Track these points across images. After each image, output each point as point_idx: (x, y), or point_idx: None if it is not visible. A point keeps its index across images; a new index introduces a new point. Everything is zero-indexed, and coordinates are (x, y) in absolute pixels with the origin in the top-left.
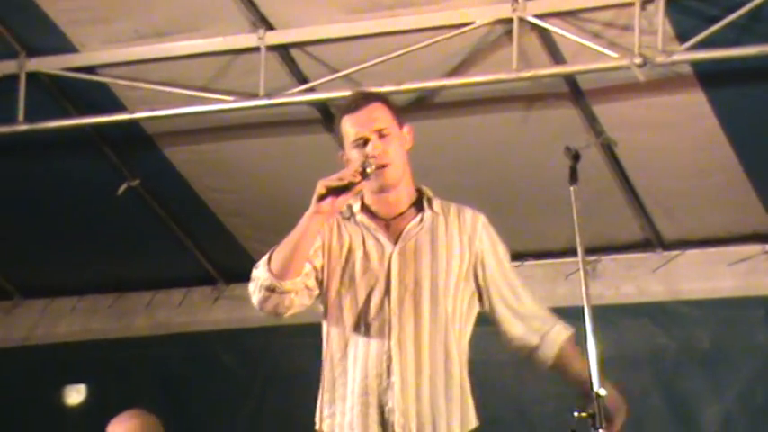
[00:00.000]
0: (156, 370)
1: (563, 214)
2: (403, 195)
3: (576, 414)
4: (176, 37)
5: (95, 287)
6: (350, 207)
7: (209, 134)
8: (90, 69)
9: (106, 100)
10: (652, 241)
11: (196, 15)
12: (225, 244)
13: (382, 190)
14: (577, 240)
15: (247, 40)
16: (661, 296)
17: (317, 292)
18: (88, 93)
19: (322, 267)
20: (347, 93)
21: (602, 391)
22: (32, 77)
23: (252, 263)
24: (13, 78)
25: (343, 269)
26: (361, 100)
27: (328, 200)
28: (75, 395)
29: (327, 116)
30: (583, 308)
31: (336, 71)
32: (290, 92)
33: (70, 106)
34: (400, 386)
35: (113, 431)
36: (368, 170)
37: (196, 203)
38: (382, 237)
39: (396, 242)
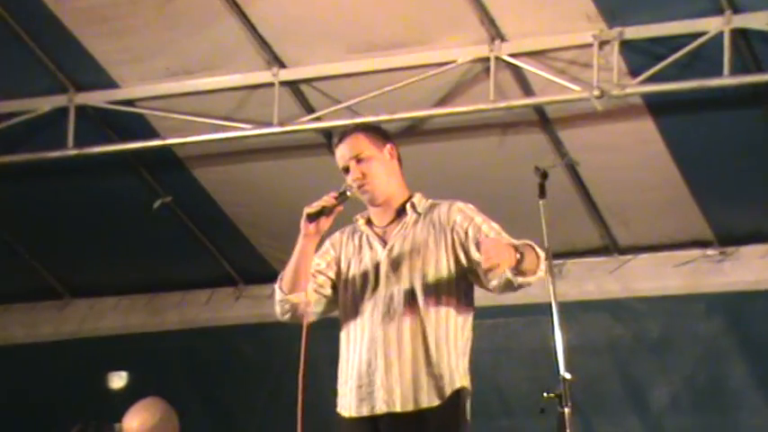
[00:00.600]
0: (186, 359)
1: (533, 224)
2: (394, 205)
3: (545, 395)
4: (202, 74)
5: (134, 288)
6: (357, 220)
7: (231, 157)
8: (129, 102)
9: (143, 128)
10: (609, 247)
11: (219, 55)
12: (244, 250)
13: (372, 203)
14: (546, 246)
15: (263, 76)
16: (617, 294)
17: (333, 298)
18: (128, 122)
19: (337, 275)
20: (349, 121)
21: (568, 375)
22: (80, 110)
23: (267, 267)
24: (64, 110)
25: (347, 274)
26: (343, 134)
27: (311, 223)
28: (118, 381)
29: (331, 141)
30: (551, 304)
31: (339, 103)
32: (299, 121)
33: (112, 134)
34: (384, 368)
35: (128, 422)
36: (348, 193)
37: (220, 216)
38: (376, 243)
39: (385, 246)
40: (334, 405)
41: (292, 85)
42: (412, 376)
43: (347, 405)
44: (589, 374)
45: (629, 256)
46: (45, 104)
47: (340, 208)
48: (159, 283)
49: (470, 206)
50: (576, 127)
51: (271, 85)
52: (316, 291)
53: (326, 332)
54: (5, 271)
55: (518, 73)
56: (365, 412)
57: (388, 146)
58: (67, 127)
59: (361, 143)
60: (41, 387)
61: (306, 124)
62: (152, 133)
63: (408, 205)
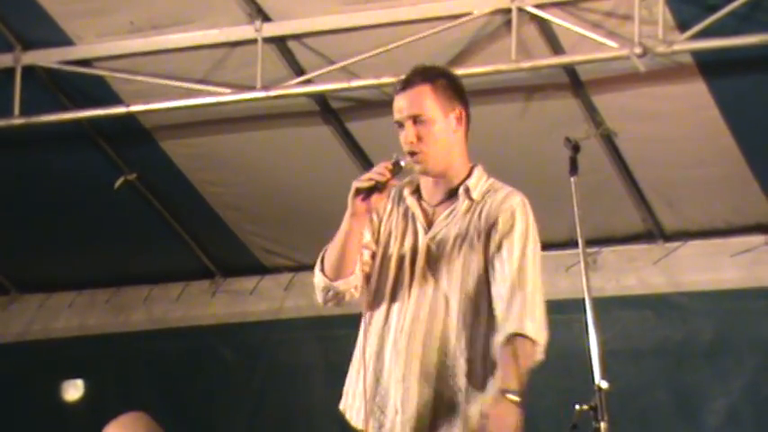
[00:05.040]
0: (154, 365)
1: (563, 206)
2: (450, 181)
3: (577, 407)
4: (173, 29)
5: (93, 282)
6: (402, 189)
7: (207, 127)
8: (86, 62)
9: (102, 93)
10: (653, 232)
11: (192, 7)
12: (223, 237)
13: (426, 175)
14: (578, 232)
15: (244, 31)
16: (663, 288)
17: None
18: (84, 86)
19: (376, 245)
20: (345, 84)
21: (604, 384)
22: (28, 71)
23: (250, 256)
24: (9, 72)
25: (384, 251)
26: (409, 80)
27: (361, 200)
28: (73, 391)
29: (325, 108)
30: (584, 300)
31: (334, 63)
32: (287, 84)
33: (66, 100)
34: (397, 384)
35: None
36: (402, 163)
37: (193, 197)
38: (420, 225)
39: (428, 232)
40: (330, 417)
41: (278, 42)
42: (428, 400)
43: (354, 415)
44: (630, 383)
45: (676, 244)
46: None
47: (394, 182)
48: (123, 276)
49: (525, 209)
50: (613, 91)
51: (253, 41)
52: (362, 269)
53: (320, 333)
54: None
55: (545, 27)
56: (371, 429)
57: (458, 110)
58: (13, 91)
59: (426, 101)
60: None
61: (294, 88)
62: (113, 99)
63: (462, 188)
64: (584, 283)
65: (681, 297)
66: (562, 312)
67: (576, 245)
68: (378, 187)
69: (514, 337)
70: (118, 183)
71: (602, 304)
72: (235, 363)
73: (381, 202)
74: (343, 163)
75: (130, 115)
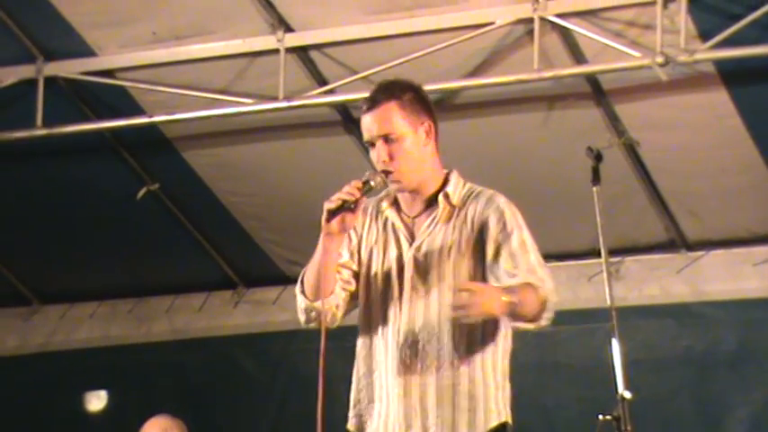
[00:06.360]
0: (176, 376)
1: (585, 215)
2: (426, 193)
3: (600, 417)
4: (195, 39)
5: (115, 292)
6: (380, 203)
7: (229, 137)
8: (108, 73)
9: (125, 104)
10: (676, 242)
11: (214, 18)
12: (245, 248)
13: (401, 191)
14: (600, 241)
15: (266, 42)
16: (686, 297)
17: (357, 292)
18: (107, 97)
19: (358, 265)
20: (367, 94)
21: (627, 394)
22: (50, 82)
23: (272, 267)
24: (32, 83)
25: (368, 269)
26: (374, 100)
27: (334, 220)
28: (96, 402)
29: (347, 118)
30: (607, 310)
31: (356, 73)
32: (309, 94)
33: (88, 110)
34: (404, 401)
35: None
36: (372, 183)
37: (216, 207)
38: (403, 237)
39: (412, 244)
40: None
41: (300, 52)
42: (436, 411)
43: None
44: (653, 393)
45: (699, 253)
46: (9, 76)
47: (364, 200)
48: (145, 287)
49: (512, 207)
50: (635, 100)
51: (275, 51)
52: (343, 288)
53: (340, 343)
54: None
55: (567, 36)
56: None
57: (426, 123)
58: (36, 102)
59: (394, 119)
60: (3, 409)
61: (317, 98)
62: (136, 109)
63: (441, 195)
64: (607, 293)
65: (704, 306)
66: (585, 322)
67: (598, 254)
68: (349, 206)
69: (529, 284)
70: (140, 193)
71: (624, 314)
72: (257, 373)
73: (355, 221)
74: (365, 173)
75: (153, 126)
